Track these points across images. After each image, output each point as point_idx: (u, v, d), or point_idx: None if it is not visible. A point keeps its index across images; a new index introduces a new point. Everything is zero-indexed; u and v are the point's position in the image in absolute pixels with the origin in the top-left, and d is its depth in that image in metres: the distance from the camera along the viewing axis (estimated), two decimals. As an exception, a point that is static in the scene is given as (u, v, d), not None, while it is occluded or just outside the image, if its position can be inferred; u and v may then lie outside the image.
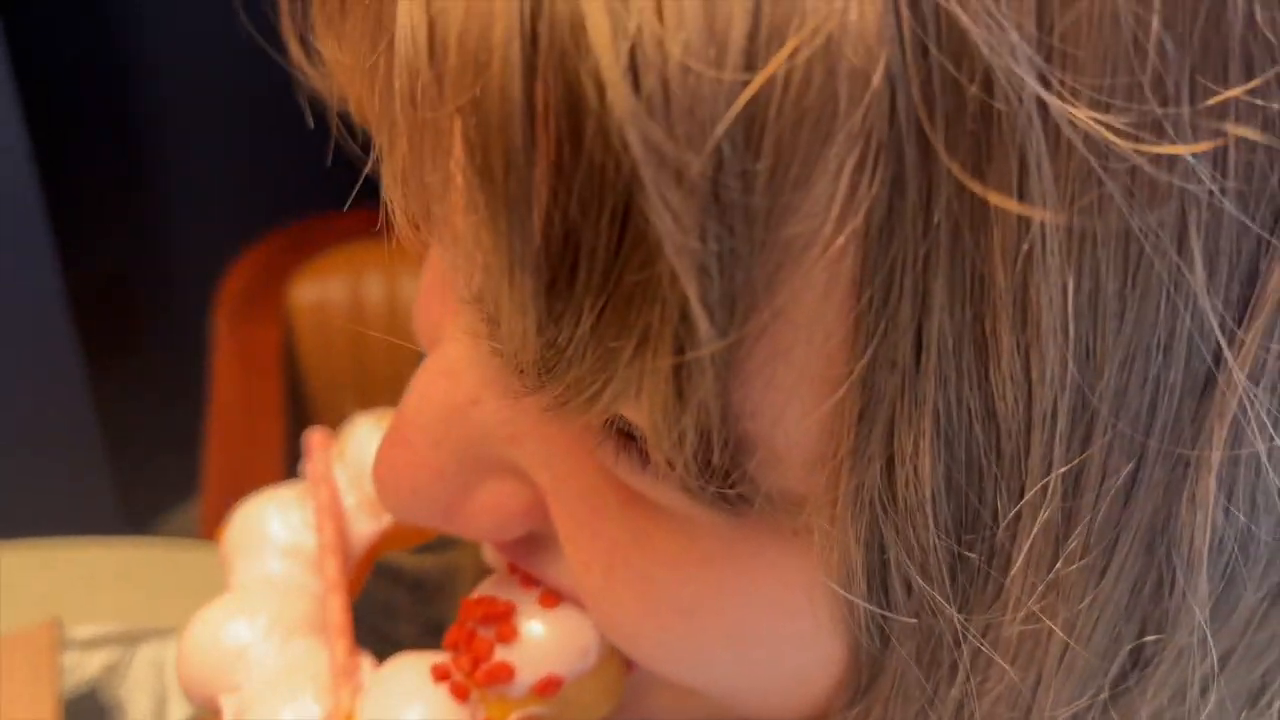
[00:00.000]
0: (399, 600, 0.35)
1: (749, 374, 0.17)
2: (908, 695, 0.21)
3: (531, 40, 0.15)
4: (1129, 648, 0.20)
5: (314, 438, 0.29)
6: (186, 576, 0.59)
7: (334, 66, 0.20)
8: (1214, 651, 0.20)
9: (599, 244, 0.16)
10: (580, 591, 0.23)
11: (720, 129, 0.14)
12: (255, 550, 0.27)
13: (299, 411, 0.88)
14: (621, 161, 0.15)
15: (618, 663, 0.25)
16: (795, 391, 0.17)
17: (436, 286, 0.24)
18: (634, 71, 0.14)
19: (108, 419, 1.21)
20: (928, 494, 0.18)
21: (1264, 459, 0.18)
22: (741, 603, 0.21)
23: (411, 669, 0.24)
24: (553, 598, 0.24)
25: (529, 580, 0.25)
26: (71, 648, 0.51)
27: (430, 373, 0.23)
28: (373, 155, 0.20)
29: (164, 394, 1.25)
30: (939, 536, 0.18)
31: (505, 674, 0.24)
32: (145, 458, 1.25)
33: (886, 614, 0.20)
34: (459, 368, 0.22)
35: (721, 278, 0.15)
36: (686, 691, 0.25)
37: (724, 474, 0.18)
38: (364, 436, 0.28)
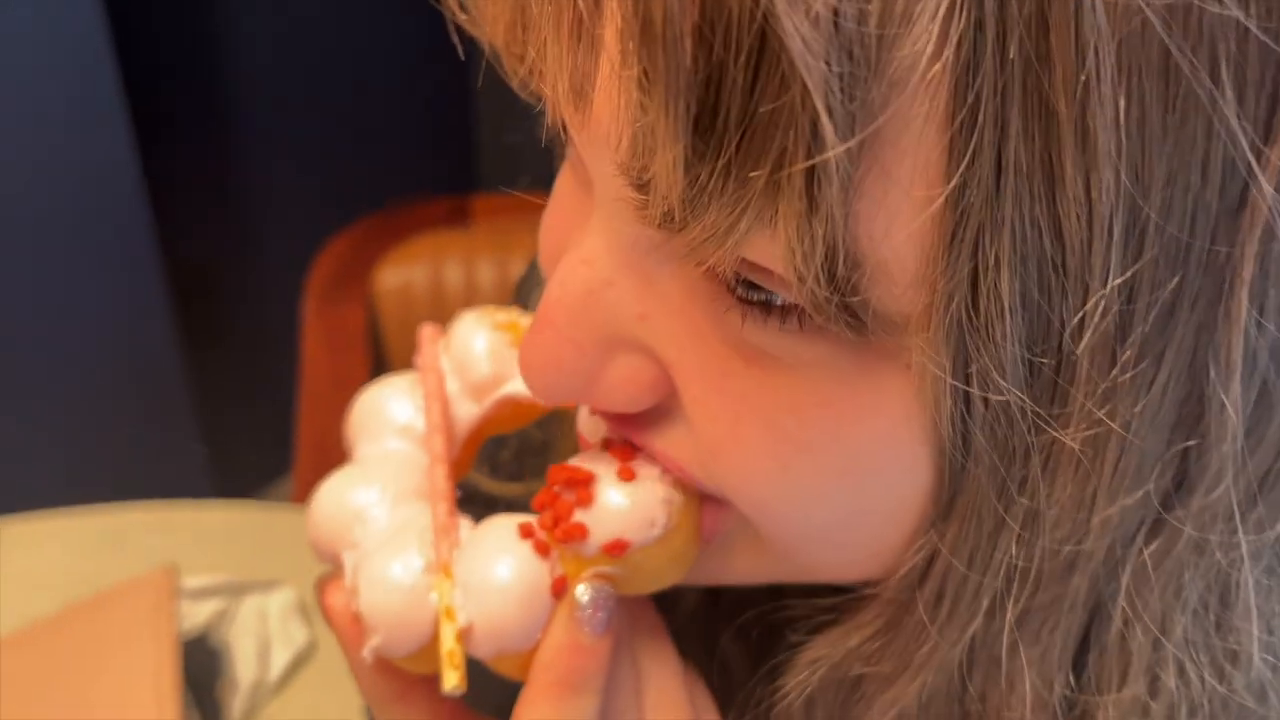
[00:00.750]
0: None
1: (863, 191, 0.20)
2: (981, 517, 0.24)
3: None
4: (1178, 450, 0.23)
5: (424, 331, 0.33)
6: (285, 536, 0.63)
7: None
8: (1251, 464, 0.23)
9: (740, 76, 0.19)
10: (705, 448, 0.26)
11: None
12: (373, 429, 0.31)
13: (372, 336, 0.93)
14: (759, 1, 0.18)
15: (685, 536, 0.28)
16: (899, 209, 0.20)
17: (562, 212, 0.28)
18: None
19: (203, 401, 1.28)
20: (1005, 305, 0.21)
21: None
22: (852, 437, 0.24)
23: (502, 527, 0.28)
24: (630, 472, 0.27)
25: (622, 452, 0.28)
26: (184, 597, 0.56)
27: (570, 263, 0.25)
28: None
29: (256, 377, 1.31)
30: (1014, 346, 0.21)
31: (579, 533, 0.27)
32: (239, 439, 1.31)
33: (969, 428, 0.23)
34: (595, 255, 0.25)
35: (843, 95, 0.19)
36: (764, 554, 0.27)
37: (845, 284, 0.21)
38: (467, 330, 0.32)
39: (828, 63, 0.18)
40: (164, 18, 1.25)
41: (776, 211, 0.20)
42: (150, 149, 1.13)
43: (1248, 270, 0.20)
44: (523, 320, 0.32)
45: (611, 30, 0.20)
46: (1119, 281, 0.20)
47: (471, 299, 0.94)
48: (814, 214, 0.20)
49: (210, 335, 1.32)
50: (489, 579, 0.27)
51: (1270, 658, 0.26)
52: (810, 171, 0.19)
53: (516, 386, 0.30)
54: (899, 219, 0.20)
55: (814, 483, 0.25)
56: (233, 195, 1.39)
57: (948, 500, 0.25)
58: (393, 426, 0.31)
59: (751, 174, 0.20)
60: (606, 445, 0.28)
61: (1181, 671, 0.26)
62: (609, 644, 0.28)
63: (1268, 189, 0.20)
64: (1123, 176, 0.19)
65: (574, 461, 0.28)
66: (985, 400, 0.22)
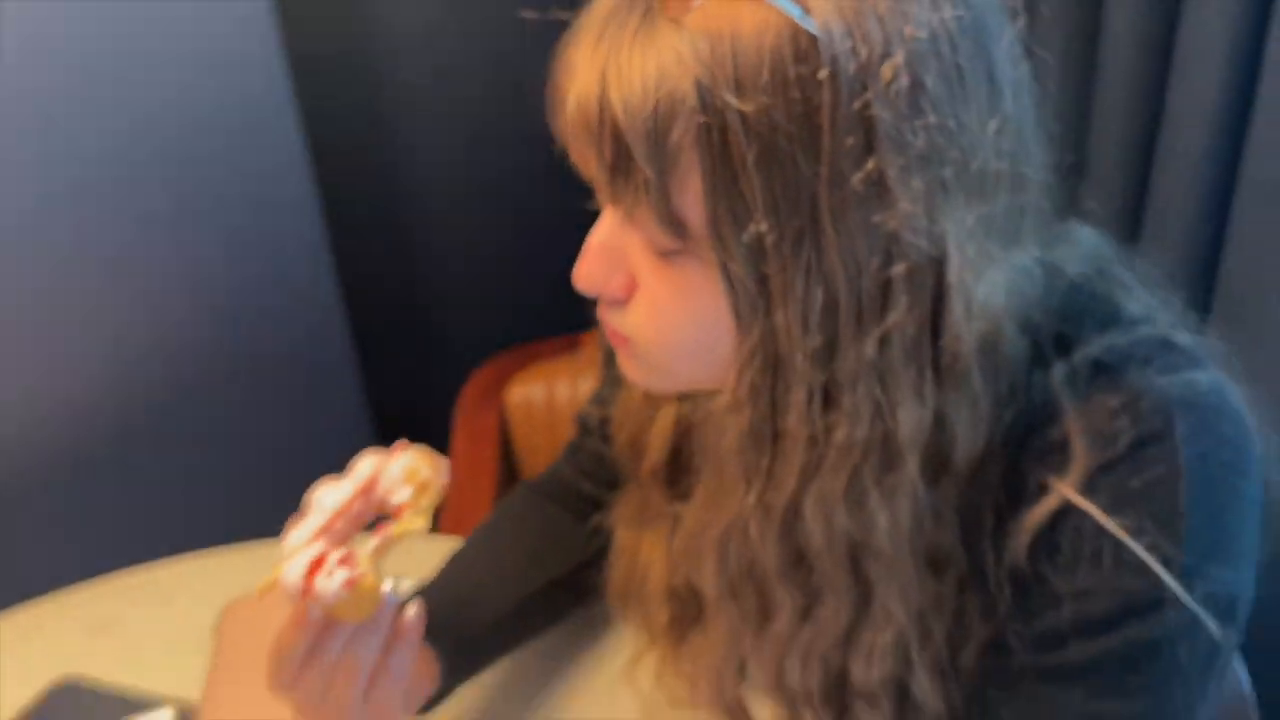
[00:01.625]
0: None
1: (670, 191, 0.47)
2: (757, 333, 0.50)
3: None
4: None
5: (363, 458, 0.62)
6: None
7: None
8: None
9: (609, 148, 0.48)
10: (634, 326, 0.54)
11: None
12: (313, 508, 0.59)
13: (509, 473, 1.27)
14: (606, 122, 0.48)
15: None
16: (686, 197, 0.47)
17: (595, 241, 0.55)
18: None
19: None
20: (735, 240, 0.48)
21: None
22: (693, 302, 0.51)
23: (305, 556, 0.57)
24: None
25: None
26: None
27: (594, 231, 0.54)
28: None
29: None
30: (742, 251, 0.48)
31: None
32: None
33: (738, 291, 0.49)
34: (605, 220, 0.53)
35: (654, 154, 0.46)
36: (652, 371, 0.56)
37: (674, 225, 0.48)
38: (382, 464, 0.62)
39: (646, 146, 0.46)
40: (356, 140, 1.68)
41: (639, 198, 0.48)
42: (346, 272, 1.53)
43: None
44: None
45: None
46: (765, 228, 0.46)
47: (573, 408, 1.28)
48: (650, 198, 0.48)
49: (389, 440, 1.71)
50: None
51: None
52: (648, 181, 0.47)
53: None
54: (687, 200, 0.47)
55: (685, 328, 0.53)
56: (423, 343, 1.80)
57: (745, 328, 0.50)
58: (321, 506, 0.60)
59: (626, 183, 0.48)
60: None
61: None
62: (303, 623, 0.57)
63: None
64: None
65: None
66: (737, 272, 0.48)
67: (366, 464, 0.61)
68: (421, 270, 1.80)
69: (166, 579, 0.96)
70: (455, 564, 0.79)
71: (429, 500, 0.61)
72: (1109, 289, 0.56)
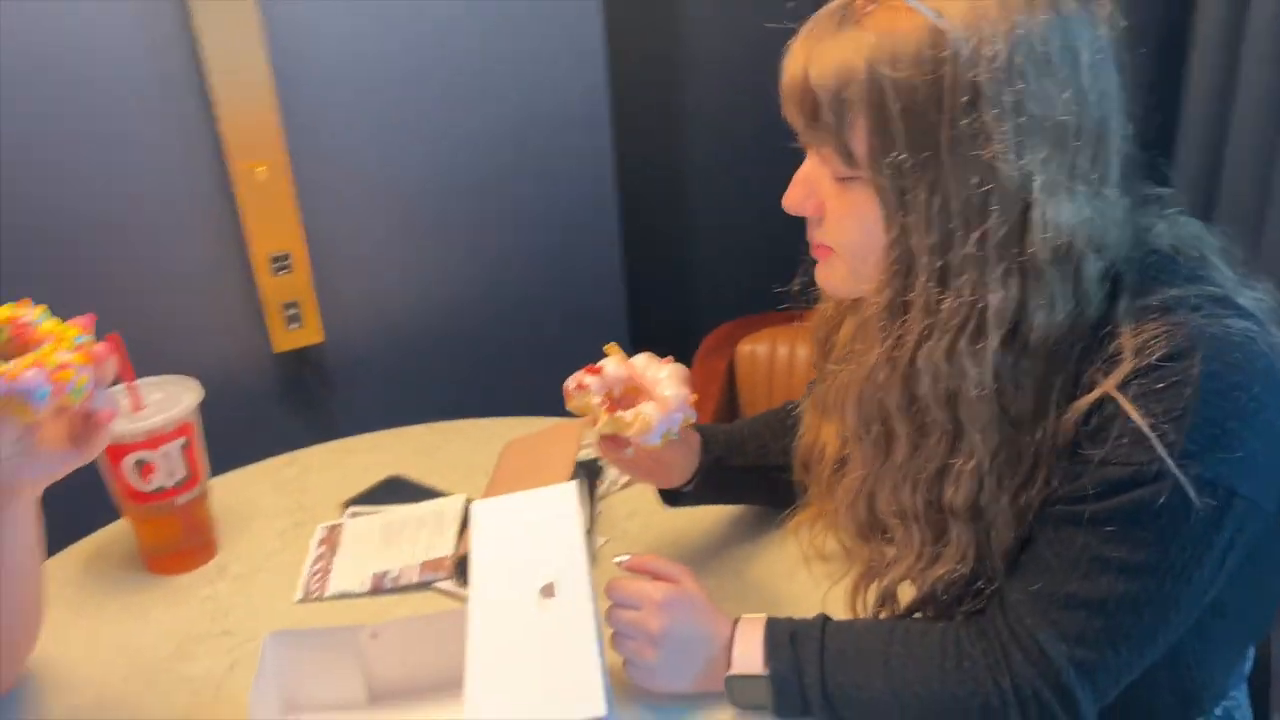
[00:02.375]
0: None
1: (847, 136, 0.72)
2: (906, 243, 0.73)
3: None
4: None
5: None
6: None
7: None
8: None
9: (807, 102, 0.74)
10: (827, 235, 0.78)
11: None
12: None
13: (730, 409, 1.56)
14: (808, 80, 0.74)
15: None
16: (858, 136, 0.72)
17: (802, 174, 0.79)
18: None
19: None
20: (893, 168, 0.71)
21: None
22: (861, 213, 0.74)
23: None
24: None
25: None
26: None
27: (802, 167, 0.78)
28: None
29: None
30: (895, 176, 0.72)
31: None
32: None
33: (890, 206, 0.72)
34: (806, 162, 0.77)
35: (834, 110, 0.72)
36: (846, 272, 0.79)
37: (849, 156, 0.73)
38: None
39: (830, 102, 0.71)
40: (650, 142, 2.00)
41: (824, 138, 0.73)
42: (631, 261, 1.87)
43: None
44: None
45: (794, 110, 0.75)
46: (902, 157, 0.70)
47: (791, 367, 1.55)
48: (832, 137, 0.72)
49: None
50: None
51: None
52: (830, 125, 0.72)
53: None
54: (855, 138, 0.71)
55: (855, 232, 0.76)
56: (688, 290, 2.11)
57: (888, 229, 0.73)
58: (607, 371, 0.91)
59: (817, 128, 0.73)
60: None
61: None
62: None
63: None
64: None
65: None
66: (884, 187, 0.71)
67: (642, 357, 0.92)
68: (687, 244, 2.12)
69: (471, 429, 1.32)
70: (745, 423, 1.07)
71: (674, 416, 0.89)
72: (1195, 263, 0.76)
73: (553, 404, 1.27)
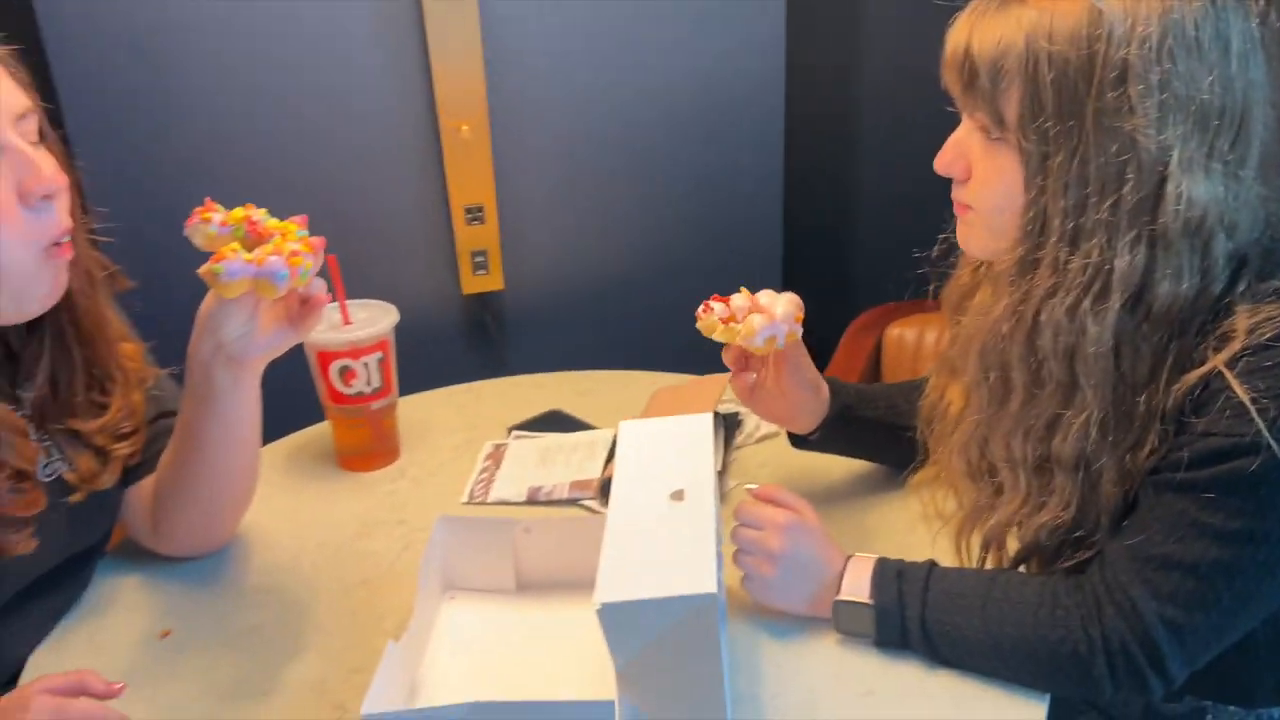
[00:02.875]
0: None
1: (998, 103, 0.79)
2: (1044, 205, 0.79)
3: None
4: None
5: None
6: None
7: None
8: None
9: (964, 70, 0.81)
10: (971, 194, 0.85)
11: None
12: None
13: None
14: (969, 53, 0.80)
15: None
16: (1009, 104, 0.78)
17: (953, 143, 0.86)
18: None
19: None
20: (1035, 132, 0.78)
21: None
22: (1005, 173, 0.81)
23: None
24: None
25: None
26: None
27: (956, 132, 0.85)
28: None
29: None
30: (1036, 141, 0.78)
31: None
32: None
33: (1031, 169, 0.79)
34: (961, 128, 0.84)
35: (990, 77, 0.79)
36: (983, 231, 0.86)
37: (1000, 123, 0.79)
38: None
39: (989, 70, 0.77)
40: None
41: (979, 103, 0.79)
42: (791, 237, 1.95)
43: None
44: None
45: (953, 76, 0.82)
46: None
47: (937, 354, 1.60)
48: (986, 102, 0.79)
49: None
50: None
51: None
52: (986, 91, 0.78)
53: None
54: (1008, 103, 0.77)
55: (996, 192, 0.82)
56: (842, 276, 2.18)
57: (1029, 189, 0.79)
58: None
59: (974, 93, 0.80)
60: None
61: None
62: None
63: None
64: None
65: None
66: (1029, 149, 0.78)
67: (765, 292, 1.02)
68: (849, 225, 2.18)
69: (625, 378, 1.44)
70: (879, 385, 1.16)
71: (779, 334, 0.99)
72: None
73: (702, 363, 1.37)
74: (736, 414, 1.28)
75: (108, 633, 0.98)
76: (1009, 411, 0.85)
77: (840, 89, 2.09)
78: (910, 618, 0.87)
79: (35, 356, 0.92)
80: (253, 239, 0.88)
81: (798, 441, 1.12)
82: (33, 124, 0.85)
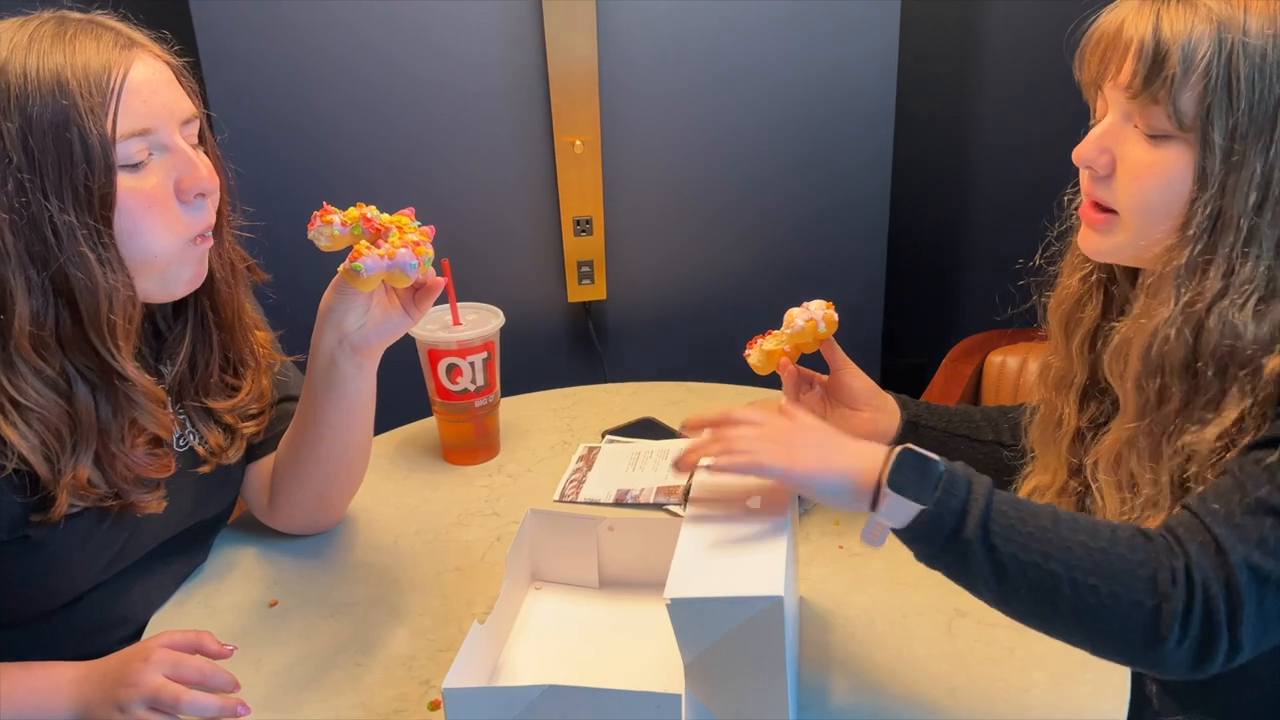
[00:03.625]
0: None
1: (1172, 99, 0.78)
2: (1215, 209, 0.78)
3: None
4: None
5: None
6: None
7: None
8: None
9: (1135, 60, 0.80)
10: (1116, 191, 0.83)
11: None
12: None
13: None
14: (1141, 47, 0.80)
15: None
16: (1189, 99, 0.77)
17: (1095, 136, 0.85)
18: None
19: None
20: (1216, 127, 0.77)
21: None
22: (1170, 173, 0.80)
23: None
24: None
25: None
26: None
27: (1102, 123, 0.84)
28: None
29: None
30: (1222, 138, 0.77)
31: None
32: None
33: (1205, 167, 0.78)
34: (1103, 122, 0.84)
35: (1155, 64, 0.78)
36: (1125, 235, 0.84)
37: (1174, 120, 0.78)
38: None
39: (1179, 63, 0.76)
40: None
41: (1157, 97, 0.78)
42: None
43: None
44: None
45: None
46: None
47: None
48: (1168, 96, 0.77)
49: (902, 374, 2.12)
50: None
51: None
52: (1171, 84, 0.77)
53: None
54: (1190, 98, 0.76)
55: (1155, 191, 0.80)
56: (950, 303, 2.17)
57: (1205, 186, 0.78)
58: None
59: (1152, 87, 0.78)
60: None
61: None
62: None
63: None
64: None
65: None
66: (1214, 145, 0.76)
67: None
68: (954, 250, 2.16)
69: (717, 391, 1.48)
70: (950, 409, 1.13)
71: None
72: None
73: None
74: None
75: (223, 598, 1.06)
76: (1162, 416, 0.83)
77: (952, 106, 2.08)
78: (975, 500, 0.75)
79: (179, 337, 1.01)
80: (370, 234, 0.95)
81: None
82: (194, 129, 0.94)
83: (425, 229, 0.96)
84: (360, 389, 1.03)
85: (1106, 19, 0.82)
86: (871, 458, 0.78)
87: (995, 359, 1.64)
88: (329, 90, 1.66)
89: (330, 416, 1.04)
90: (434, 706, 0.90)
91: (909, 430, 1.08)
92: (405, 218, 0.97)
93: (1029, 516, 0.75)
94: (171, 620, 1.03)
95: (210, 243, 0.95)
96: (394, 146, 1.69)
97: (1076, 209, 0.92)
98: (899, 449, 0.77)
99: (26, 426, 0.87)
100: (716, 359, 1.89)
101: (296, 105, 1.66)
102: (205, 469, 1.04)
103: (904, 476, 0.76)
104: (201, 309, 1.01)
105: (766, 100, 1.76)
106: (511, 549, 0.97)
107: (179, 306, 1.00)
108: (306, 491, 1.10)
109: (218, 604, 1.05)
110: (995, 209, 2.12)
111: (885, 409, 1.08)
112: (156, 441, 0.96)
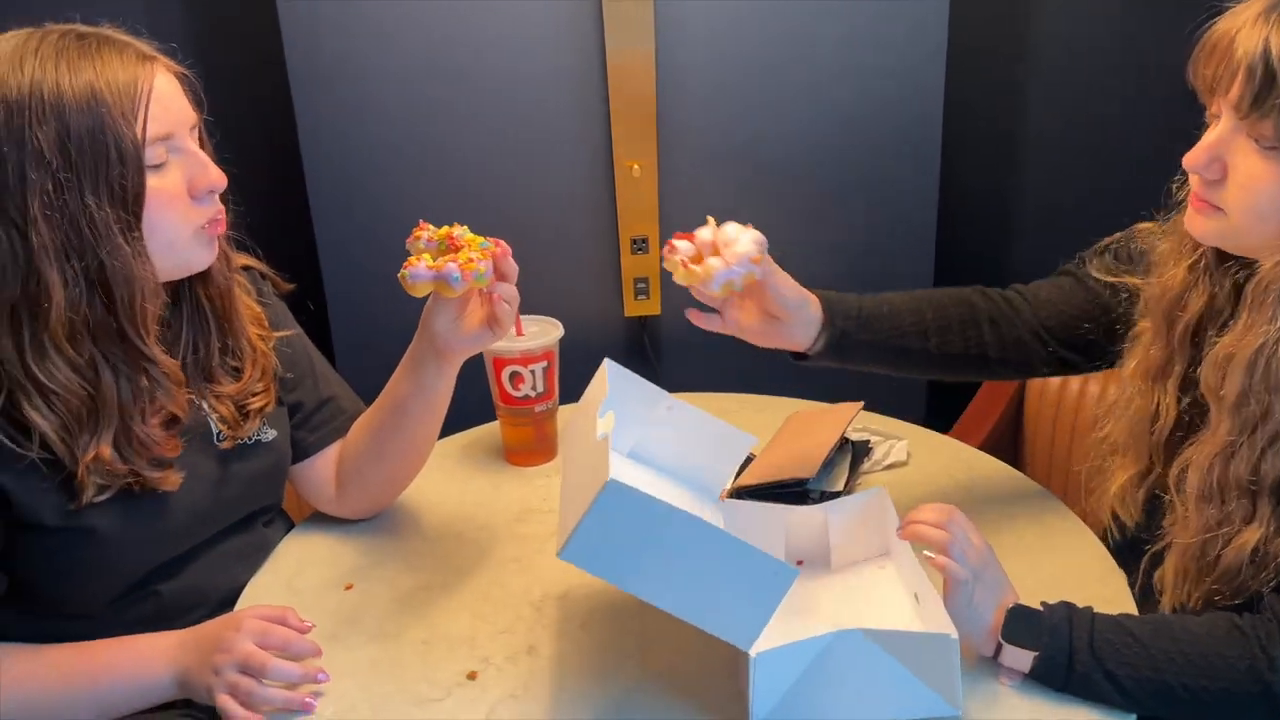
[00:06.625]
0: None
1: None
2: None
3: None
4: None
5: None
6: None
7: None
8: None
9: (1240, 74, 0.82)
10: (1227, 197, 0.85)
11: None
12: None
13: (1013, 432, 1.66)
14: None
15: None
16: None
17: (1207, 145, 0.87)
18: None
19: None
20: None
21: None
22: (1273, 181, 0.83)
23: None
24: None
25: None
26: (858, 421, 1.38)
27: (1214, 131, 0.86)
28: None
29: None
30: None
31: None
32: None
33: None
34: (1216, 130, 0.86)
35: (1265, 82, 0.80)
36: (1229, 227, 0.87)
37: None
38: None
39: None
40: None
41: (1268, 111, 0.80)
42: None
43: None
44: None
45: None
46: None
47: (1081, 400, 1.63)
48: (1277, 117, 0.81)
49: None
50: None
51: None
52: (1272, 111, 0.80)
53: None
54: None
55: (1265, 199, 0.83)
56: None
57: None
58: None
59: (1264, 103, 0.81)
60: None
61: None
62: None
63: None
64: None
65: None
66: None
67: (731, 224, 1.04)
68: (1002, 264, 2.20)
69: (766, 402, 1.55)
70: (894, 298, 1.13)
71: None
72: None
73: (842, 393, 1.46)
74: (866, 441, 1.36)
75: (303, 581, 1.16)
76: (1267, 432, 0.85)
77: (1001, 141, 2.13)
78: (1078, 631, 0.87)
79: (178, 323, 1.09)
80: (449, 251, 1.06)
81: (798, 358, 1.13)
82: (197, 132, 1.03)
83: (491, 249, 1.06)
84: (438, 388, 1.14)
85: (1220, 28, 0.84)
86: (999, 616, 0.90)
87: (1036, 380, 1.68)
88: (407, 115, 1.77)
89: (410, 406, 1.15)
90: (471, 676, 0.99)
91: (834, 345, 1.09)
92: (478, 238, 1.07)
93: (1130, 639, 0.86)
94: (257, 597, 1.13)
95: (221, 229, 1.05)
96: (464, 170, 1.80)
97: (1182, 195, 0.95)
98: (1009, 608, 0.90)
99: (49, 409, 0.94)
100: (766, 370, 1.95)
101: (375, 129, 1.78)
102: (226, 444, 1.12)
103: (1015, 629, 0.89)
104: (196, 297, 1.09)
105: (813, 124, 1.83)
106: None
107: (176, 297, 1.08)
108: (379, 473, 1.21)
109: (299, 586, 1.15)
110: (1042, 222, 2.15)
111: (804, 311, 1.08)
112: (172, 421, 1.05)
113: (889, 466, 1.34)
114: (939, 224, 1.92)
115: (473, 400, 1.41)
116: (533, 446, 1.41)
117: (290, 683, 0.95)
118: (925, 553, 0.94)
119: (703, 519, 0.85)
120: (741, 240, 1.01)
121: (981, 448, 1.42)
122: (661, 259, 1.06)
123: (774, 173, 1.85)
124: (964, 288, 1.18)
